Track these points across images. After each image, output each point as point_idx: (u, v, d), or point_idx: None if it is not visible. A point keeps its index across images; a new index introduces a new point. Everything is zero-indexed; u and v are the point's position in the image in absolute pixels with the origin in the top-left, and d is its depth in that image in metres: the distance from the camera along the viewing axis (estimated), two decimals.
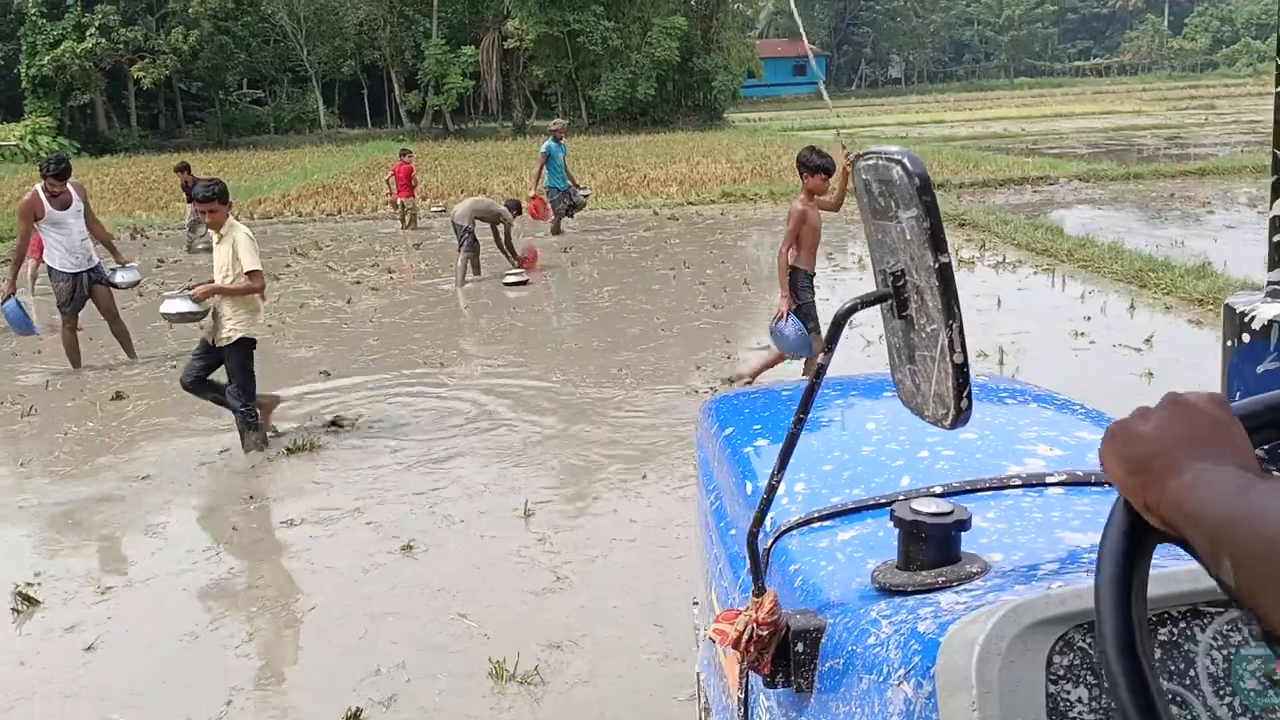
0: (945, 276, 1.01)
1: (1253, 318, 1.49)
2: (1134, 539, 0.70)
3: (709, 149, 31.20)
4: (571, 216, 15.62)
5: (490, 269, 12.19)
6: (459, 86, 48.20)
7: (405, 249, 14.78)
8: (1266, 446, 0.77)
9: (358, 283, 12.05)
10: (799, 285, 6.49)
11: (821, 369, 1.18)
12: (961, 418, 1.05)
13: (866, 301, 1.14)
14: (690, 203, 18.68)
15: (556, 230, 15.22)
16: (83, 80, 44.80)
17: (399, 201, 17.19)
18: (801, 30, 6.99)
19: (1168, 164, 20.51)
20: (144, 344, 9.07)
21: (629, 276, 12.04)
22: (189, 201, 15.25)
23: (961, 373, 1.03)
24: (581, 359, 8.14)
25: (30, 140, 42.20)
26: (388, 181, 17.96)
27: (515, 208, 12.46)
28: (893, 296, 1.11)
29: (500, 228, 12.10)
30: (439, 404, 7.07)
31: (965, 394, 1.03)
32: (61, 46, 43.50)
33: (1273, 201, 1.52)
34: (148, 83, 45.61)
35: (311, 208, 20.13)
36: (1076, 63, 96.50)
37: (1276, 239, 1.53)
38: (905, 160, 1.04)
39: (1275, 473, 0.73)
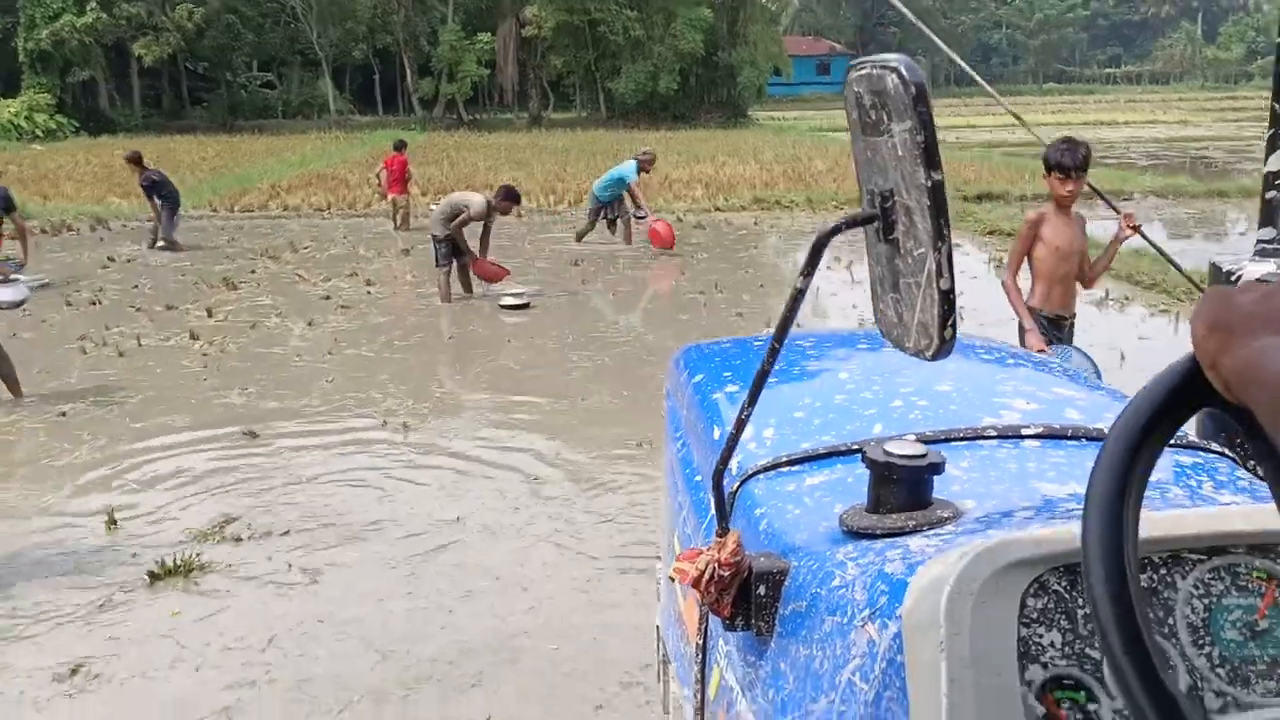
0: (937, 195, 0.96)
1: (1239, 276, 1.60)
2: (1178, 392, 0.68)
3: (734, 148, 29.22)
4: (610, 230, 13.48)
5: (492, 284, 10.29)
6: (474, 75, 46.20)
7: (393, 254, 12.85)
8: (1240, 441, 0.75)
9: (327, 297, 10.13)
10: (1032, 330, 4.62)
11: (799, 294, 1.11)
12: (945, 348, 1.00)
13: (852, 222, 1.09)
14: (718, 208, 16.74)
15: (581, 237, 13.31)
16: (82, 56, 42.91)
17: (391, 199, 15.37)
18: (921, 27, 4.86)
19: (1250, 180, 18.49)
20: (44, 377, 7.18)
21: (650, 302, 10.11)
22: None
23: (947, 300, 0.98)
24: (589, 422, 6.21)
25: (26, 117, 40.42)
26: (377, 174, 16.13)
27: (510, 196, 9.95)
28: (879, 218, 1.06)
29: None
30: (388, 492, 5.15)
31: (950, 323, 0.99)
32: (61, 20, 41.61)
33: (1267, 157, 1.63)
34: (150, 60, 43.65)
35: (300, 200, 18.22)
36: (1107, 70, 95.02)
37: (1269, 195, 1.65)
38: (901, 68, 0.98)
39: (1230, 458, 0.93)
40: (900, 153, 0.99)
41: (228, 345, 8.26)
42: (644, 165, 13.06)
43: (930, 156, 0.96)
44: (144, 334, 8.60)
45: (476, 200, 9.79)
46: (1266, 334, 0.64)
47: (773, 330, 1.17)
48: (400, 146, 15.81)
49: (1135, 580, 0.64)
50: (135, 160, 13.71)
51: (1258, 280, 0.68)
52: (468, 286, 10.16)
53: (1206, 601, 0.95)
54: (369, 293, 10.37)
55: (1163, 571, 0.95)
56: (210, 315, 9.28)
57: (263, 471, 5.48)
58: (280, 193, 19.38)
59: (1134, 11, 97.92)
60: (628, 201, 13.05)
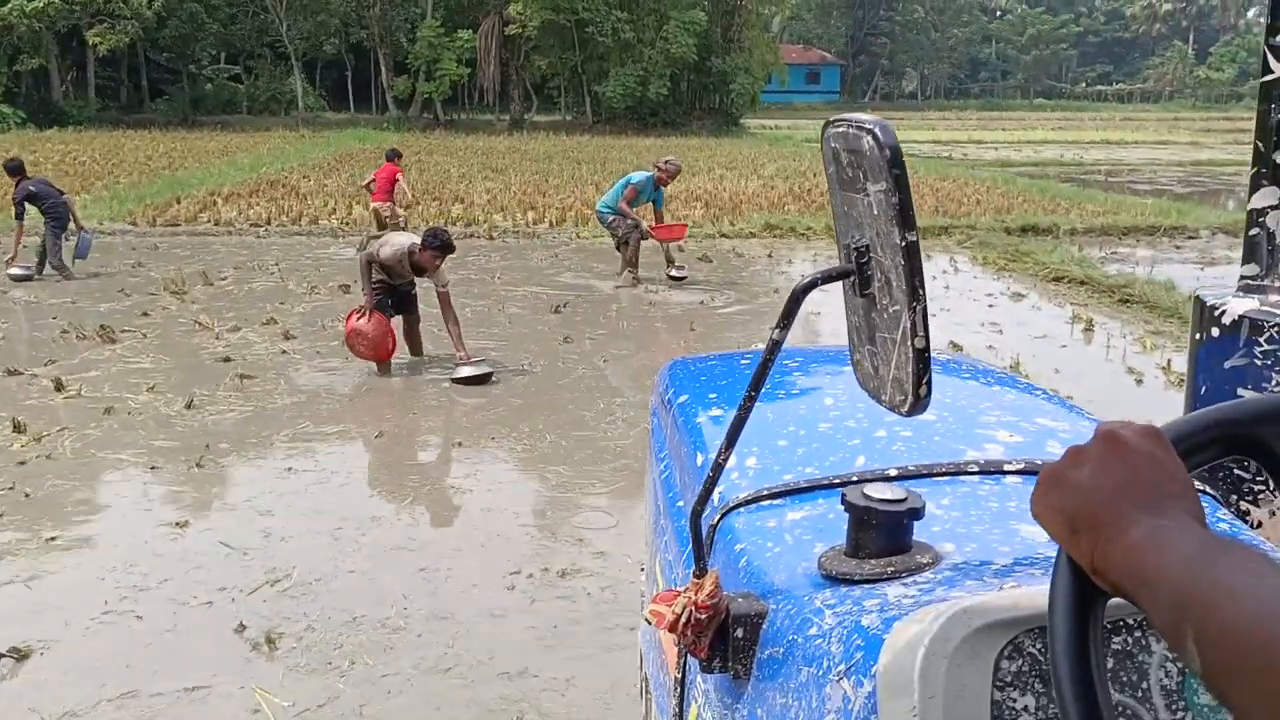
0: (911, 255, 0.97)
1: (1223, 312, 1.51)
2: (1085, 600, 0.66)
3: (731, 159, 26.88)
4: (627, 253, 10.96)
5: (444, 342, 7.88)
6: (453, 74, 43.57)
7: (330, 289, 10.37)
8: (1205, 467, 0.75)
9: (227, 359, 7.67)
10: None
11: (775, 345, 1.11)
12: (920, 405, 1.01)
13: (828, 277, 1.09)
14: (724, 234, 14.36)
15: (633, 263, 10.82)
16: (32, 43, 40.07)
17: (373, 208, 13.24)
18: None
19: None
20: None
21: (652, 375, 7.71)
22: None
23: (922, 358, 0.99)
24: (571, 624, 3.82)
25: None
26: (367, 186, 13.69)
27: (437, 245, 7.04)
28: (855, 273, 1.07)
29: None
30: None
31: (925, 381, 1.00)
32: (9, 4, 38.75)
33: (1251, 194, 1.52)
34: (105, 49, 40.78)
35: (237, 213, 15.72)
36: (1097, 87, 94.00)
37: (1252, 233, 1.53)
38: (877, 130, 0.98)
39: (1212, 496, 0.87)
40: (876, 211, 1.00)
41: (60, 445, 5.82)
42: (661, 178, 10.66)
43: (905, 217, 0.97)
44: None
45: (396, 243, 7.30)
46: (1138, 517, 0.59)
47: (750, 350, 1.49)
48: (393, 156, 13.56)
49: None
50: (15, 171, 11.12)
51: (1072, 447, 0.67)
52: (416, 347, 7.75)
53: (1180, 665, 0.94)
54: (284, 352, 7.92)
55: (1137, 634, 0.95)
56: (60, 389, 6.82)
57: None
58: (217, 202, 16.87)
59: (1124, 29, 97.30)
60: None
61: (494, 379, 7.19)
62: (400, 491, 5.23)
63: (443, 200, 17.29)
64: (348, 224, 14.84)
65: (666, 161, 10.87)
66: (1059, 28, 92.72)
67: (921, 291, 0.97)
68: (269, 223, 14.92)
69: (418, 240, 7.14)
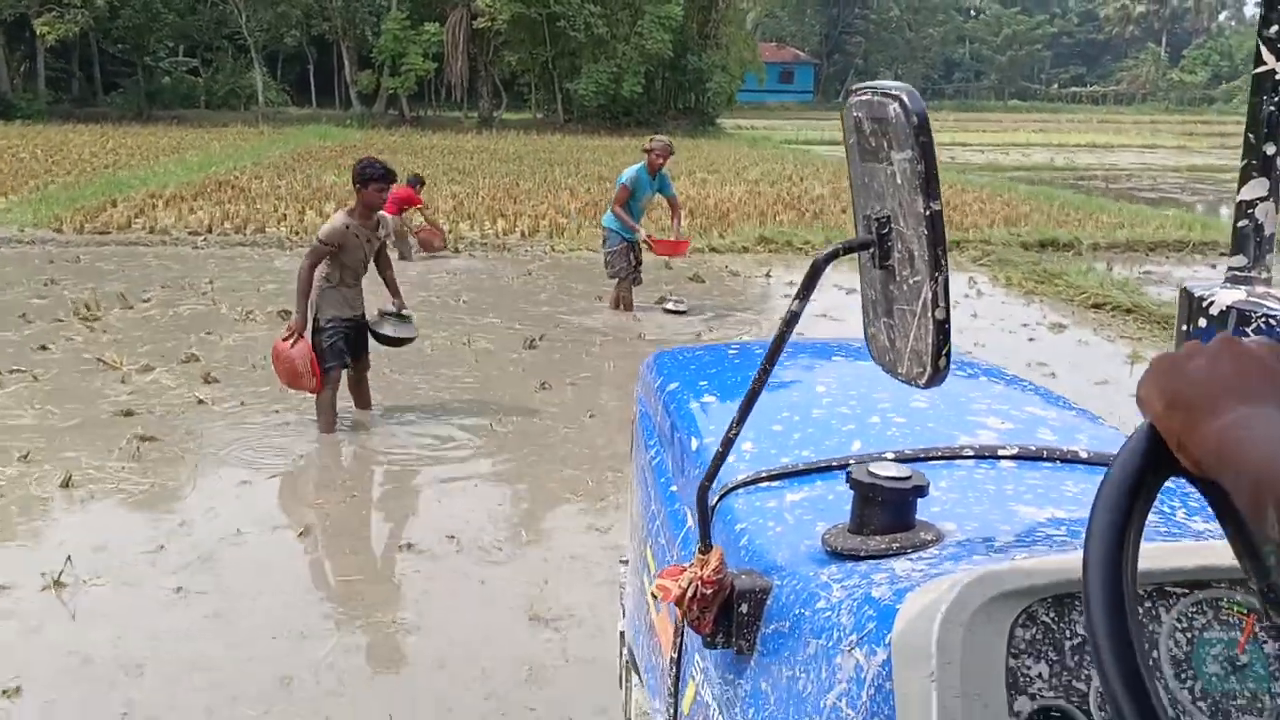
0: (935, 225, 0.96)
1: (1210, 303, 1.52)
2: (1147, 472, 0.68)
3: (710, 162, 25.55)
4: (638, 282, 9.47)
5: (400, 392, 6.50)
6: (419, 69, 41.81)
7: (269, 315, 8.93)
8: None
9: (128, 413, 6.22)
10: None
11: (794, 316, 1.09)
12: (939, 377, 1.00)
13: (849, 247, 1.08)
14: (714, 248, 13.02)
15: (626, 304, 9.35)
16: None
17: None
18: None
19: None
20: None
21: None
22: None
23: (943, 330, 0.98)
24: None
25: None
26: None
27: (369, 176, 5.72)
28: (875, 244, 1.05)
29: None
30: None
31: (945, 352, 0.99)
32: None
33: (1240, 186, 1.55)
34: (53, 39, 38.77)
35: (175, 218, 14.21)
36: (1071, 88, 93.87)
37: (1241, 224, 1.55)
38: (904, 96, 0.97)
39: None
40: (899, 180, 0.99)
41: None
42: (654, 160, 8.98)
43: (930, 186, 0.96)
44: None
45: (332, 220, 5.86)
46: (1233, 405, 0.62)
47: (749, 349, 1.48)
48: (415, 183, 11.93)
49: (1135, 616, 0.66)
50: None
51: (1192, 342, 0.70)
52: (364, 400, 6.35)
53: (1189, 635, 0.95)
54: (200, 401, 6.50)
55: (1148, 605, 0.95)
56: None
57: None
58: (157, 205, 15.33)
59: (1097, 31, 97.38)
60: (624, 219, 8.95)
61: (424, 348, 5.82)
62: (318, 635, 3.84)
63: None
64: (298, 232, 13.37)
65: (652, 140, 9.24)
66: (1034, 28, 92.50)
67: (944, 262, 0.96)
68: (210, 230, 13.41)
69: (339, 215, 5.86)
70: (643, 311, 9.30)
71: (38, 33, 38.70)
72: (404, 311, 6.25)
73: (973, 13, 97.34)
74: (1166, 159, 33.64)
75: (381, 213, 5.97)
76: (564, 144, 31.36)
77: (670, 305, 9.43)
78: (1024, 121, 61.96)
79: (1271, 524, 0.57)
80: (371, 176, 5.72)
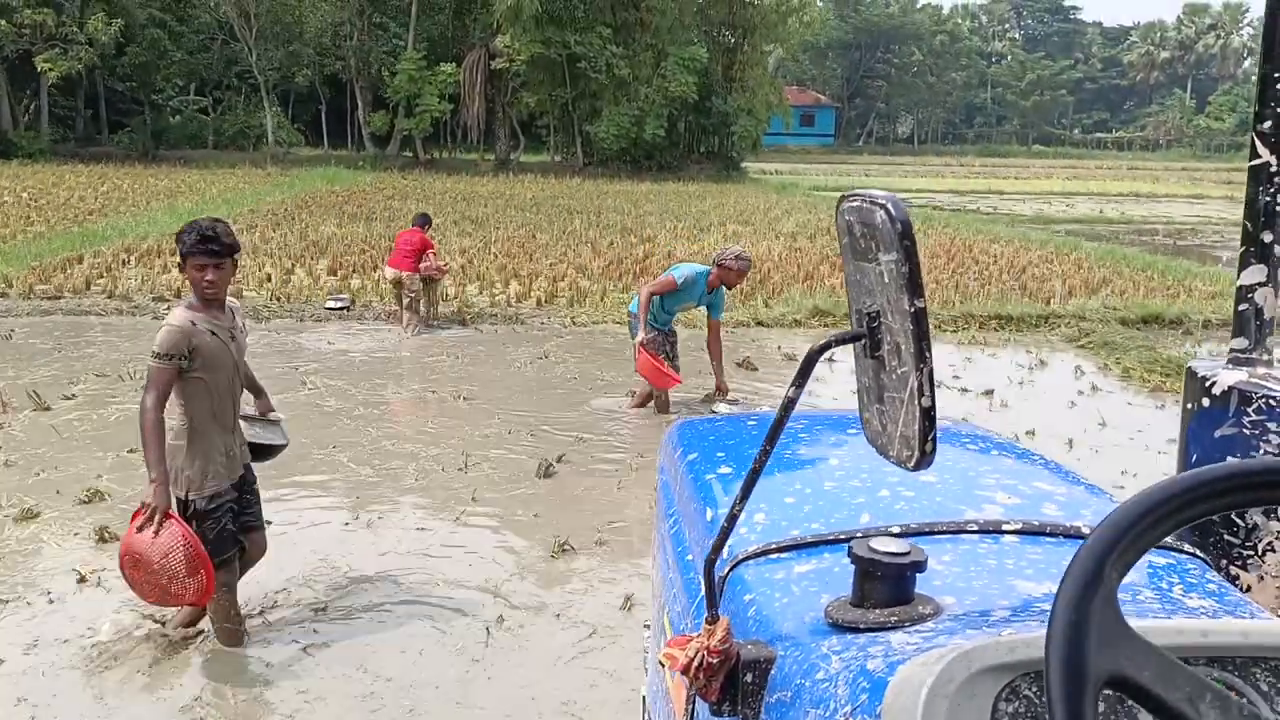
0: (919, 321, 1.01)
1: (1213, 383, 1.61)
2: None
3: (740, 212, 23.81)
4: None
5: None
6: (434, 110, 40.41)
7: None
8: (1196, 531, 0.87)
9: None
10: None
11: (790, 402, 1.14)
12: (925, 460, 1.03)
13: (841, 340, 1.13)
14: (761, 322, 11.16)
15: (661, 405, 7.57)
16: None
17: (393, 276, 10.23)
18: None
19: None
20: None
21: None
22: None
23: (928, 417, 1.01)
24: None
25: None
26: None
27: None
28: (867, 336, 1.11)
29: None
30: None
31: (930, 438, 1.02)
32: None
33: (1240, 271, 1.64)
34: (55, 76, 37.41)
35: (139, 279, 12.45)
36: (1096, 134, 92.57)
37: (1241, 308, 1.65)
38: (889, 205, 1.04)
39: (1202, 559, 0.95)
40: (886, 279, 1.04)
41: None
42: (723, 276, 7.33)
43: (914, 285, 1.00)
44: None
45: (173, 316, 3.75)
46: None
47: (755, 412, 1.87)
48: (423, 223, 10.47)
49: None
50: None
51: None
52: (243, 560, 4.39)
53: None
54: (82, 579, 4.61)
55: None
56: None
57: None
58: (128, 261, 13.60)
59: (1121, 77, 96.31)
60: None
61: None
62: None
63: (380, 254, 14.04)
64: (278, 297, 11.60)
65: (736, 257, 7.33)
66: (1058, 73, 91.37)
67: (928, 354, 1.02)
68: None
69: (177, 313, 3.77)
70: (682, 409, 7.43)
71: (39, 69, 37.36)
72: (270, 415, 4.35)
73: (995, 58, 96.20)
74: (1221, 210, 31.75)
75: (230, 299, 3.94)
76: (583, 188, 29.71)
77: (721, 406, 7.56)
78: (1051, 168, 60.27)
79: None
80: (189, 248, 3.68)
